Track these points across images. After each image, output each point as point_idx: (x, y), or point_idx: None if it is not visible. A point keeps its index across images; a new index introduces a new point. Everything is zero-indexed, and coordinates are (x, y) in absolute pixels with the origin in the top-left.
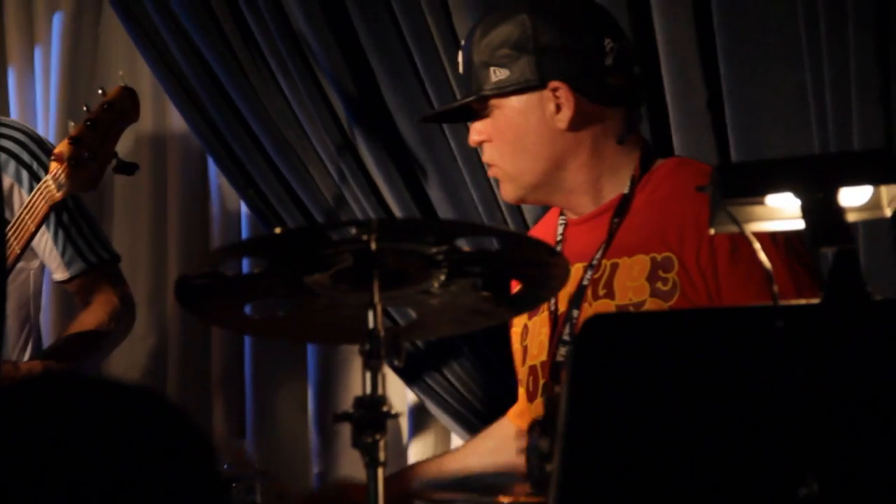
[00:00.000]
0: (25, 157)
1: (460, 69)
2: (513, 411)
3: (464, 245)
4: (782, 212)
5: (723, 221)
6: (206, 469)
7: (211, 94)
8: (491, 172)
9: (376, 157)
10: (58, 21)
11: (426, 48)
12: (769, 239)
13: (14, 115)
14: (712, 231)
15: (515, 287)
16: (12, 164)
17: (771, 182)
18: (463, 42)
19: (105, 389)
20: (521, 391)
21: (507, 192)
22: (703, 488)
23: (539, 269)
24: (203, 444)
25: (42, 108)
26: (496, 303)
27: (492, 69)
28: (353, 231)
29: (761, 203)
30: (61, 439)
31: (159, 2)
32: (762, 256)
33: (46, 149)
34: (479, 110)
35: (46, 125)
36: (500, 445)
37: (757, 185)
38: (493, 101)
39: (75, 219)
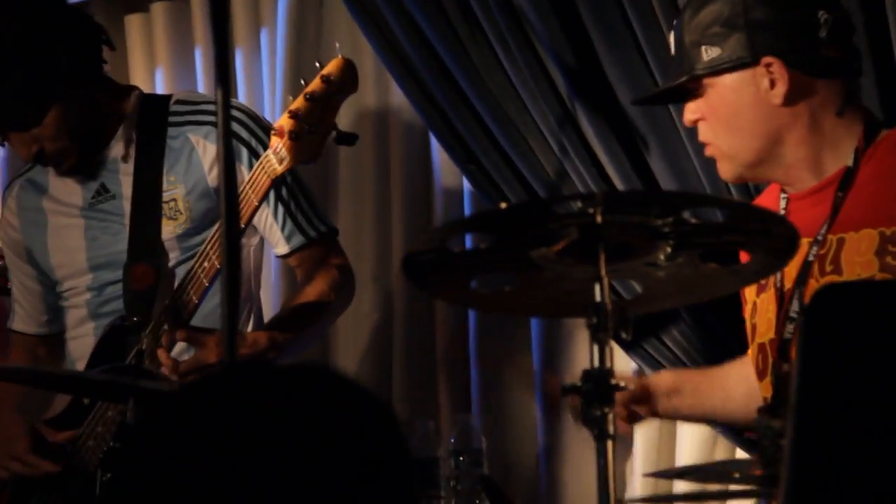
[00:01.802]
0: (244, 133)
1: (672, 51)
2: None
3: (690, 216)
4: None
5: None
6: (396, 455)
7: (432, 70)
8: (707, 151)
9: (597, 129)
10: (283, 3)
11: (647, 20)
12: None
13: (241, 96)
14: None
15: (744, 258)
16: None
17: None
18: (675, 22)
19: (295, 376)
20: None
21: (725, 171)
22: None
23: (768, 238)
24: (392, 425)
25: (269, 89)
26: (722, 274)
27: (703, 48)
28: (579, 205)
29: None
30: (251, 428)
31: None
32: None
33: (263, 125)
34: (692, 90)
35: (273, 105)
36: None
37: None
38: (706, 80)
39: (294, 193)
